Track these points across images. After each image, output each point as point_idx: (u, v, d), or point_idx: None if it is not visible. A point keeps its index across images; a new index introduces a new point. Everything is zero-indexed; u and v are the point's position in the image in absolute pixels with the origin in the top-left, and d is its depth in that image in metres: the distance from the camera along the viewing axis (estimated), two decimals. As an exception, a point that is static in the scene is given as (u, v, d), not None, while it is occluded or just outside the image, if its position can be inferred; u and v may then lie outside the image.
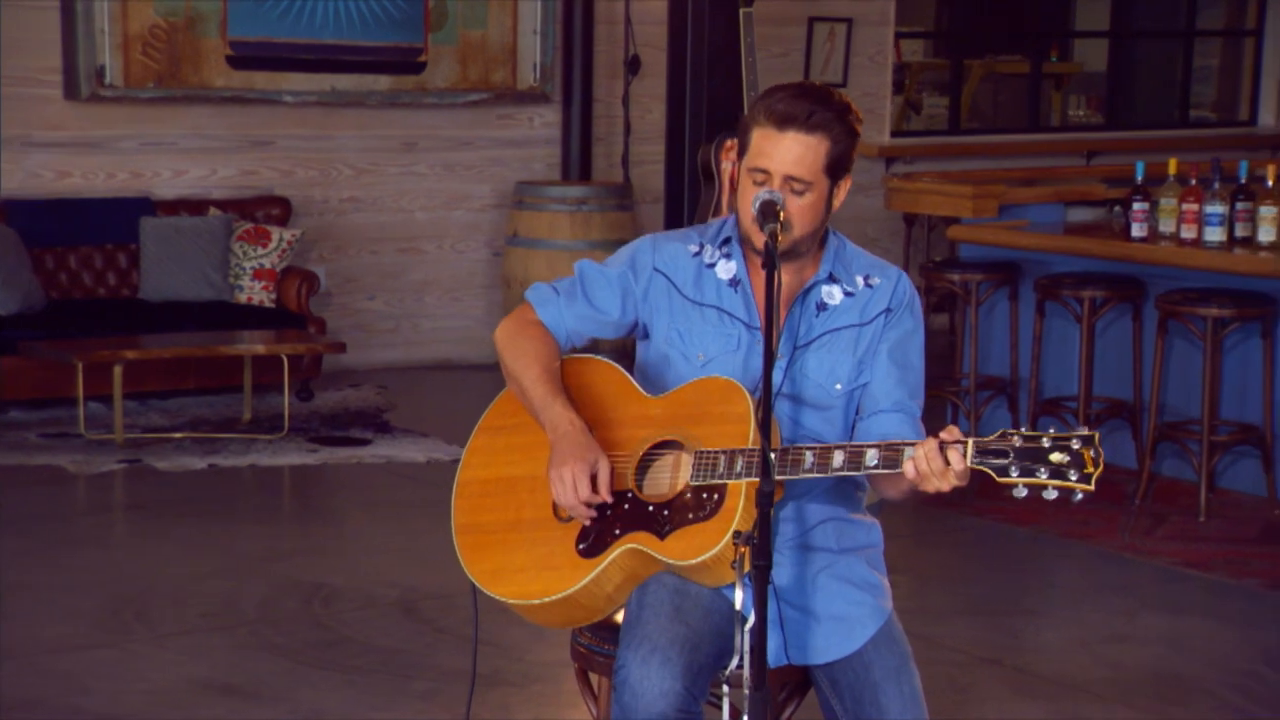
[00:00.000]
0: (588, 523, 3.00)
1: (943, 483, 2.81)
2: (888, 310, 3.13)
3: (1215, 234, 6.96)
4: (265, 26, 9.10)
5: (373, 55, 9.34)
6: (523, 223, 9.27)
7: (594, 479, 2.97)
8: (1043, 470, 2.75)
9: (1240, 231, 7.02)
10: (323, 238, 9.33)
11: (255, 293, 8.71)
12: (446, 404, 8.84)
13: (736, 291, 3.14)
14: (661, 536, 2.93)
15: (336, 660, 5.08)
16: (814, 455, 2.87)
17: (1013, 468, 2.77)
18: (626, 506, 3.00)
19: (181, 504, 6.82)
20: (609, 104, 9.74)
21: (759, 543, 2.59)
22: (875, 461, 2.85)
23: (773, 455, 2.85)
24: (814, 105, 3.01)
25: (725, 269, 3.16)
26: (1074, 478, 2.74)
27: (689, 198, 7.68)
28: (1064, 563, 6.22)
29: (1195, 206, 7.02)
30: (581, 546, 3.00)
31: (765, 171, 3.02)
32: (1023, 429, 2.81)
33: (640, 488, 3.03)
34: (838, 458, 2.86)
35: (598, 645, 3.19)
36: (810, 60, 10.31)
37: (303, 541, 6.40)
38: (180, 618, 5.44)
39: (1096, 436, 2.76)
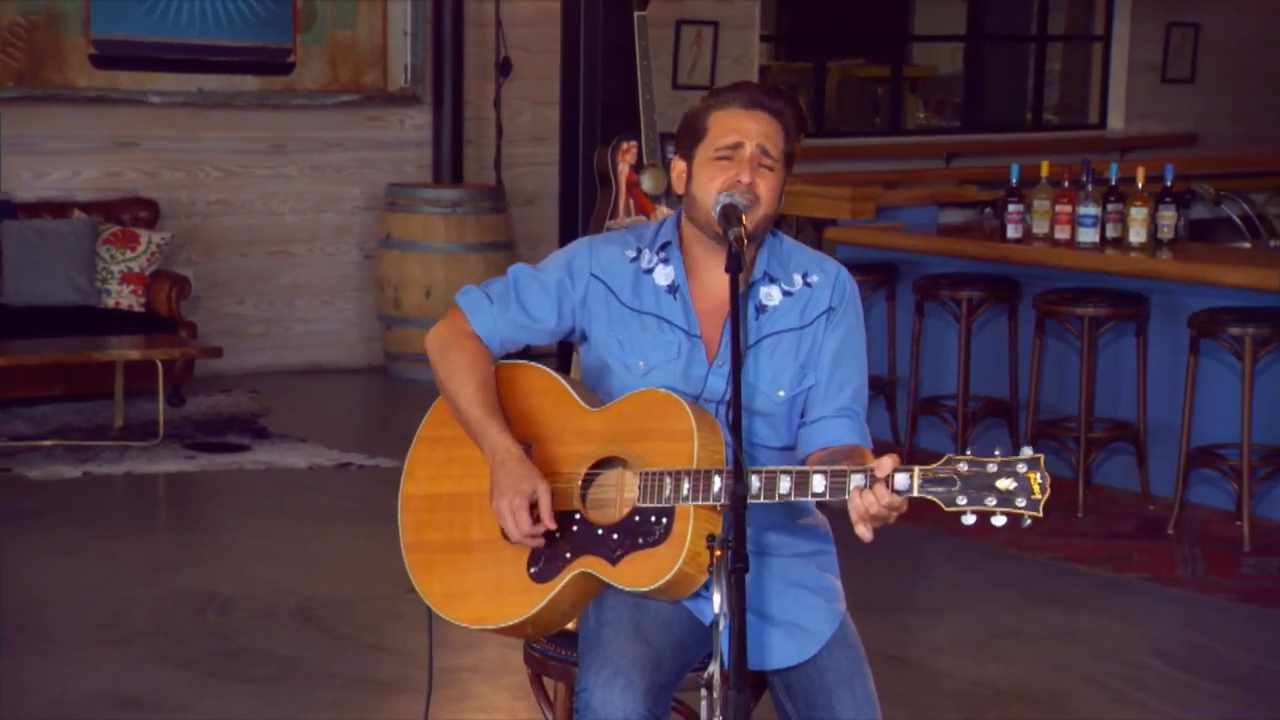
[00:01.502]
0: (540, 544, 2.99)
1: (890, 518, 2.81)
2: (829, 310, 3.13)
3: (1089, 235, 7.11)
4: (130, 25, 8.95)
5: (240, 56, 9.22)
6: (396, 225, 9.21)
7: (535, 507, 2.94)
8: (990, 498, 2.74)
9: (1111, 232, 7.18)
10: (190, 240, 9.19)
11: (124, 297, 8.56)
12: (322, 409, 8.76)
13: (675, 298, 3.12)
14: (613, 562, 2.91)
15: (238, 670, 5.02)
16: (760, 480, 2.84)
17: (960, 496, 2.75)
18: (575, 529, 2.98)
19: (58, 514, 6.68)
20: (480, 106, 9.72)
21: (735, 546, 2.60)
22: (822, 488, 2.82)
23: (719, 476, 2.86)
24: (772, 95, 3.09)
25: (663, 274, 3.13)
26: (1022, 504, 2.73)
27: (583, 200, 7.68)
28: (950, 559, 6.31)
29: (1069, 208, 7.17)
30: (533, 570, 2.98)
31: (736, 146, 3.04)
32: (968, 453, 2.78)
33: (586, 507, 3.01)
34: (784, 483, 2.84)
35: (553, 650, 3.18)
36: (678, 62, 10.36)
37: (190, 550, 6.31)
38: (72, 630, 5.33)
39: (1042, 459, 2.75)
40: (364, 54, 9.54)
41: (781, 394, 3.09)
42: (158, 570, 5.96)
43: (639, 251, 3.17)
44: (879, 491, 2.77)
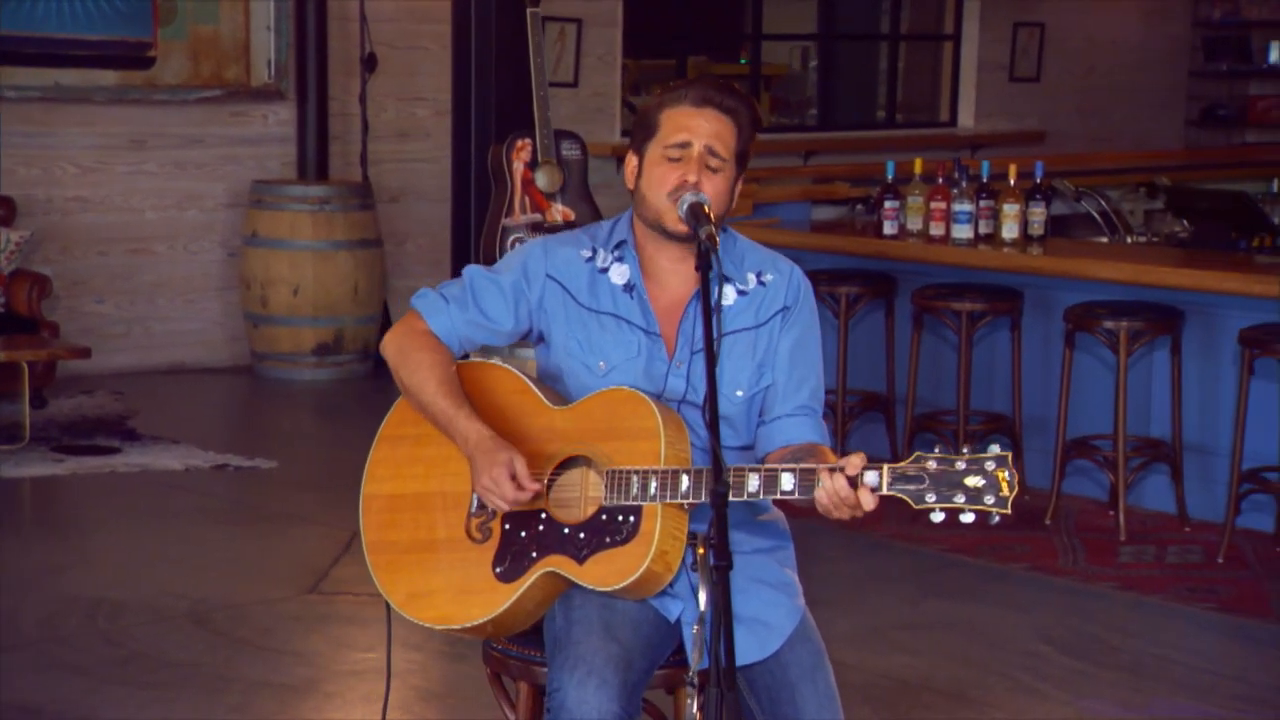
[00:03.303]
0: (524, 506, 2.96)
1: (856, 511, 2.83)
2: (784, 309, 3.14)
3: (963, 231, 7.21)
4: (-17, 18, 8.72)
5: (99, 49, 9.03)
6: (262, 223, 9.07)
7: (515, 478, 2.93)
8: (959, 495, 2.77)
9: (984, 229, 7.29)
10: (47, 239, 8.97)
11: (-18, 296, 8.34)
12: (190, 409, 8.60)
13: (631, 297, 3.11)
14: (580, 561, 2.90)
15: (136, 677, 4.92)
16: (729, 477, 2.82)
17: (929, 494, 2.78)
18: (541, 527, 2.96)
19: (-73, 519, 6.50)
20: (344, 102, 9.61)
21: (717, 544, 2.59)
22: (791, 486, 2.84)
23: (686, 475, 2.86)
24: (725, 92, 3.09)
25: (619, 273, 3.13)
26: (990, 501, 2.77)
27: (476, 199, 7.63)
28: (840, 552, 6.37)
29: (943, 205, 7.27)
30: (499, 570, 2.96)
31: (685, 145, 3.04)
32: (937, 450, 2.82)
33: (551, 506, 2.99)
34: (753, 481, 2.86)
35: (514, 649, 3.15)
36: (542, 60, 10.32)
37: (72, 555, 6.15)
38: (-43, 639, 5.19)
39: (1009, 456, 2.79)
40: (226, 49, 9.39)
41: (740, 394, 3.10)
42: (40, 576, 5.81)
43: (594, 251, 3.16)
44: (838, 483, 2.79)
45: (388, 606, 3.06)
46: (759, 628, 3.02)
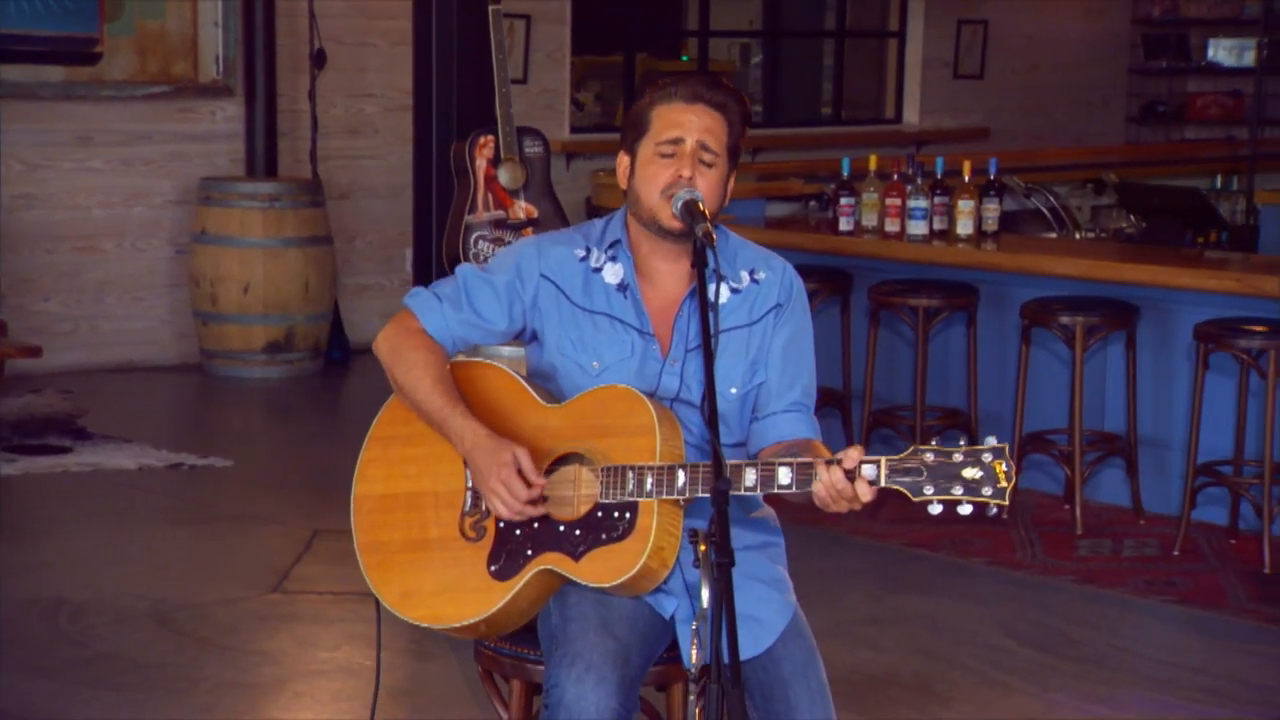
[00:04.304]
0: (535, 514, 2.94)
1: (854, 504, 2.83)
2: (777, 306, 3.14)
3: (919, 227, 7.24)
4: (-72, 14, 8.62)
5: (45, 45, 8.93)
6: (211, 220, 9.00)
7: (522, 475, 2.92)
8: (957, 487, 2.78)
9: (938, 225, 7.32)
10: (-7, 236, 8.89)
11: (-72, 295, 8.24)
12: (141, 408, 8.53)
13: (625, 297, 3.11)
14: (576, 558, 2.90)
15: (102, 678, 4.88)
16: (728, 472, 2.82)
17: (926, 486, 2.79)
18: (536, 525, 2.95)
19: (-122, 521, 6.41)
20: (293, 98, 9.54)
21: (719, 541, 2.59)
22: (789, 480, 2.85)
23: (682, 471, 2.86)
24: (715, 88, 3.09)
25: (612, 273, 3.12)
26: (988, 493, 2.78)
27: (438, 195, 7.60)
28: (800, 548, 6.29)
29: (898, 201, 7.30)
30: (493, 568, 2.95)
31: (678, 141, 3.04)
32: (934, 443, 2.83)
33: (545, 503, 2.99)
34: (750, 476, 2.86)
35: (507, 648, 3.14)
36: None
37: (30, 555, 6.08)
38: (-84, 642, 5.13)
39: (1006, 448, 2.80)
40: (174, 45, 9.32)
41: (734, 391, 3.11)
42: (-2, 577, 5.77)
43: (588, 250, 3.15)
44: (835, 476, 2.80)
45: (377, 605, 3.04)
46: (752, 624, 3.03)
